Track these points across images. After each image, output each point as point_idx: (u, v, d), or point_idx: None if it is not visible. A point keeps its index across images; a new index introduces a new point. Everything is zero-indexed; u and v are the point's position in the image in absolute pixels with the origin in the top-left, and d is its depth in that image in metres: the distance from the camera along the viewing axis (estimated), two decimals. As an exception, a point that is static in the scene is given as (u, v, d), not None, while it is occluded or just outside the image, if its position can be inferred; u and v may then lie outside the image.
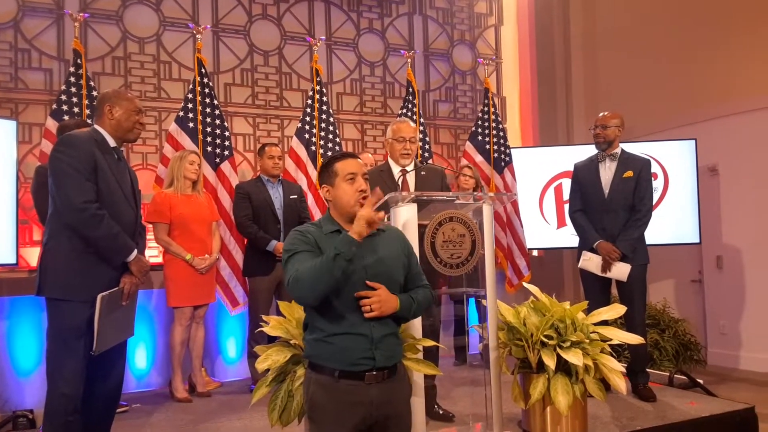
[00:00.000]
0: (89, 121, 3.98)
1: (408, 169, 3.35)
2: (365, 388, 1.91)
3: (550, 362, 2.75)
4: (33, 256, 4.24)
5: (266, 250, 4.17)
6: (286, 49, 5.48)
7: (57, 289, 2.47)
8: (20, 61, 4.57)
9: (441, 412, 3.34)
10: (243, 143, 5.26)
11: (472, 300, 4.82)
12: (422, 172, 3.40)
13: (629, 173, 3.78)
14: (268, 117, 5.39)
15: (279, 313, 2.93)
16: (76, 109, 4.14)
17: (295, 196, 4.40)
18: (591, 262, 3.77)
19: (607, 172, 3.84)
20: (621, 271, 3.70)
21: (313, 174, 4.85)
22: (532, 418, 3.00)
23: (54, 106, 4.16)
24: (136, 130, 2.65)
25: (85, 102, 4.18)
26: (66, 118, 4.02)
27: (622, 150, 3.88)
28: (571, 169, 4.07)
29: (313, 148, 4.89)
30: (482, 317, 4.67)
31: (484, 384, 2.92)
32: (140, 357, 4.46)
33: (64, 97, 4.13)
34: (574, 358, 2.73)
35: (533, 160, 5.60)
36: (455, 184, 4.96)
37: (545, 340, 2.83)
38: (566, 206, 5.09)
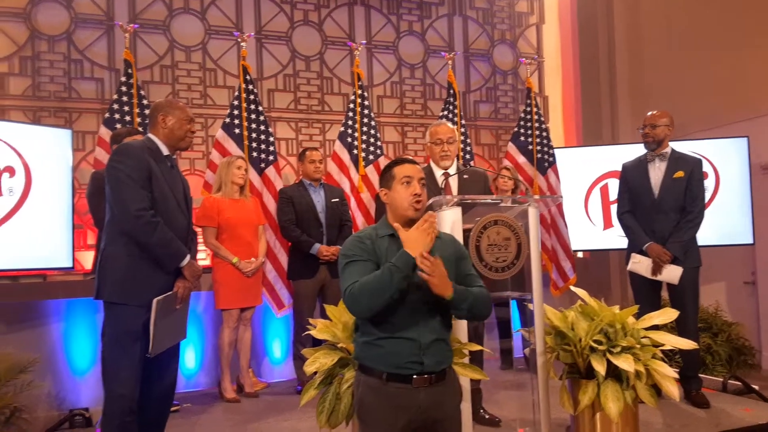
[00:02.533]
0: (140, 128, 4.11)
1: (450, 172, 3.35)
2: (413, 391, 1.92)
3: (600, 368, 2.70)
4: (87, 259, 4.39)
5: (310, 254, 4.22)
6: (327, 54, 5.54)
7: (115, 293, 2.55)
8: (73, 72, 4.74)
9: (487, 416, 3.32)
10: (286, 148, 5.34)
11: (514, 302, 4.79)
12: (465, 176, 3.39)
13: (680, 173, 3.68)
14: (310, 121, 5.46)
15: (324, 315, 2.96)
16: (127, 117, 4.27)
17: (337, 200, 4.45)
18: (641, 264, 3.68)
19: (656, 172, 3.75)
20: (672, 274, 3.61)
21: (356, 177, 4.89)
22: (581, 424, 2.95)
23: (106, 114, 4.31)
24: (188, 139, 2.73)
25: (136, 110, 4.31)
26: (118, 126, 4.15)
27: (672, 149, 3.79)
28: (617, 168, 3.99)
29: (355, 151, 4.93)
30: (526, 321, 4.63)
31: (531, 389, 2.89)
32: (189, 358, 4.57)
33: (115, 106, 4.27)
34: (625, 363, 2.68)
35: (577, 160, 5.51)
36: (494, 185, 4.91)
37: (594, 345, 2.78)
38: (613, 207, 4.99)
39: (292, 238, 4.30)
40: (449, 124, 3.43)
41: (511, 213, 2.82)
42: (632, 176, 3.83)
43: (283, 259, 4.54)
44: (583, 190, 5.44)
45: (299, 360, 4.30)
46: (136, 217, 2.49)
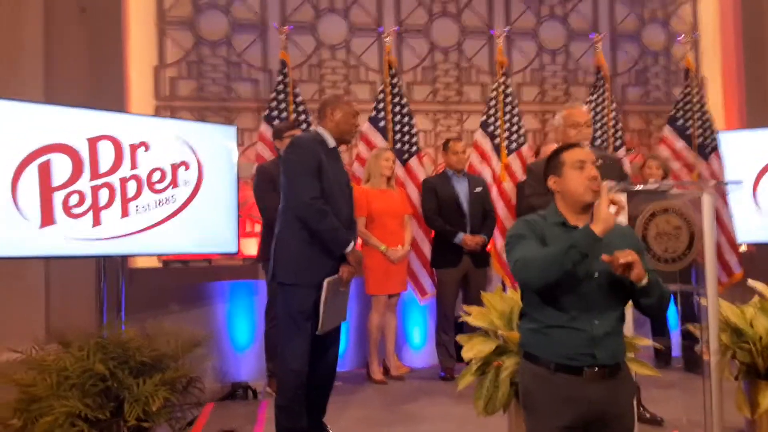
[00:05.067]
0: (297, 123, 4.37)
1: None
2: (583, 384, 1.85)
3: (788, 369, 2.47)
4: (246, 246, 4.75)
5: (453, 243, 4.26)
6: (465, 44, 5.52)
7: (288, 274, 2.76)
8: (232, 74, 5.13)
9: (648, 415, 3.16)
10: (424, 139, 5.39)
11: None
12: (599, 161, 3.17)
13: None
14: (447, 112, 5.48)
15: (466, 304, 2.98)
16: (284, 114, 4.56)
17: (480, 189, 4.44)
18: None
19: None
20: None
21: (497, 167, 4.84)
22: (759, 429, 2.72)
23: (265, 112, 4.62)
24: (353, 132, 2.89)
25: (291, 107, 4.59)
26: (276, 122, 4.45)
27: None
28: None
29: (497, 140, 4.88)
30: (688, 316, 4.33)
31: (693, 389, 2.72)
32: (338, 340, 4.79)
33: (273, 104, 4.57)
34: (818, 366, 2.43)
35: (743, 144, 5.01)
36: (639, 174, 4.62)
37: (779, 344, 2.55)
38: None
39: (435, 228, 4.37)
40: (585, 107, 3.27)
41: (680, 201, 2.66)
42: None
43: (426, 247, 4.62)
44: (751, 177, 4.95)
45: (442, 347, 4.37)
46: (309, 204, 2.67)
